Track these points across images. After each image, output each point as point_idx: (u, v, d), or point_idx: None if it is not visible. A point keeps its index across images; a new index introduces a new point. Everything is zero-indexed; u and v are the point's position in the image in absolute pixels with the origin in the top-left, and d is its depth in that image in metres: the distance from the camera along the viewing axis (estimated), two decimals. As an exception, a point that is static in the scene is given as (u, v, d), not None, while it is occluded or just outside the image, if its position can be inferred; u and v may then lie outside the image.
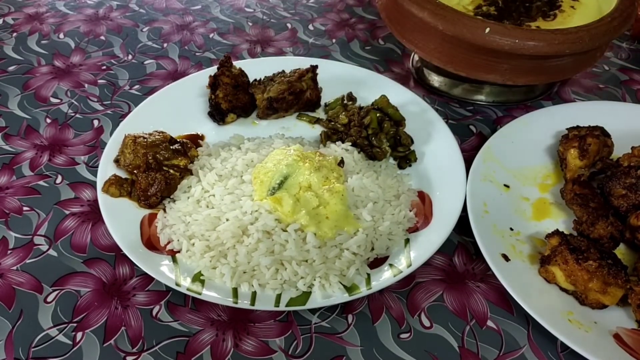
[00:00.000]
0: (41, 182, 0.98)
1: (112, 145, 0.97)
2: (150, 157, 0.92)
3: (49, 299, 0.81)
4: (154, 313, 0.79)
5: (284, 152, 0.90)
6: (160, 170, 0.92)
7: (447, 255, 0.88)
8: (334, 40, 1.34)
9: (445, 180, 0.94)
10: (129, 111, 1.10)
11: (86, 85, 1.19)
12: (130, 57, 1.27)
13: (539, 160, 1.00)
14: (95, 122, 1.10)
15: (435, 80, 1.19)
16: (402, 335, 0.78)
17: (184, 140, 0.99)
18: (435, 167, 0.97)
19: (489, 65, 1.00)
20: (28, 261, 0.86)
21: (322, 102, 1.11)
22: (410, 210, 0.90)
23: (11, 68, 1.23)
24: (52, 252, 0.87)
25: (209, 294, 0.78)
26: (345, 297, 0.78)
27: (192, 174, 0.95)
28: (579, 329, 0.74)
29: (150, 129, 0.98)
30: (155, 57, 1.27)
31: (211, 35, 1.35)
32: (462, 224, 0.87)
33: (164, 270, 0.80)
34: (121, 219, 0.86)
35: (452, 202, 0.89)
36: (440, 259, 0.87)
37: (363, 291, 0.78)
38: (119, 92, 1.17)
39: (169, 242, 0.85)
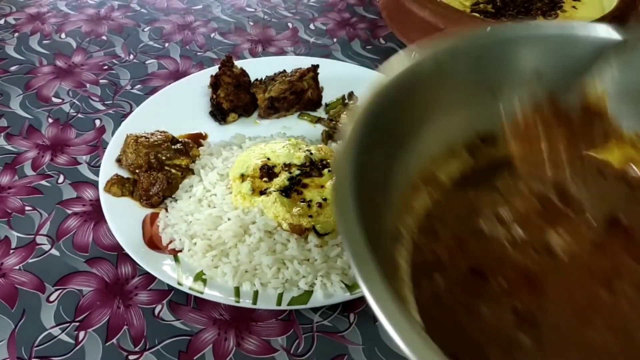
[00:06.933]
0: (43, 182, 0.98)
1: (114, 145, 0.97)
2: (152, 157, 0.92)
3: (52, 298, 0.81)
4: (156, 312, 0.80)
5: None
6: (162, 169, 0.92)
7: (448, 254, 0.88)
8: (335, 40, 1.34)
9: (446, 179, 0.94)
10: (131, 111, 1.10)
11: (88, 85, 1.19)
12: (131, 56, 1.27)
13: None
14: (97, 122, 1.10)
15: (437, 79, 1.19)
16: (404, 334, 0.77)
17: (186, 139, 0.99)
18: (437, 166, 0.97)
19: (490, 64, 1.00)
20: (30, 260, 0.86)
21: (323, 102, 1.11)
22: (412, 209, 0.90)
23: (13, 68, 1.23)
24: (54, 251, 0.87)
25: (211, 293, 0.78)
26: (347, 296, 0.78)
27: (193, 174, 0.95)
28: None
29: (151, 129, 0.98)
30: (156, 56, 1.27)
31: (212, 35, 1.35)
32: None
33: (165, 270, 0.80)
34: (123, 218, 0.86)
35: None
36: (442, 258, 0.87)
37: (365, 290, 0.78)
38: (120, 91, 1.17)
39: (170, 242, 0.85)
